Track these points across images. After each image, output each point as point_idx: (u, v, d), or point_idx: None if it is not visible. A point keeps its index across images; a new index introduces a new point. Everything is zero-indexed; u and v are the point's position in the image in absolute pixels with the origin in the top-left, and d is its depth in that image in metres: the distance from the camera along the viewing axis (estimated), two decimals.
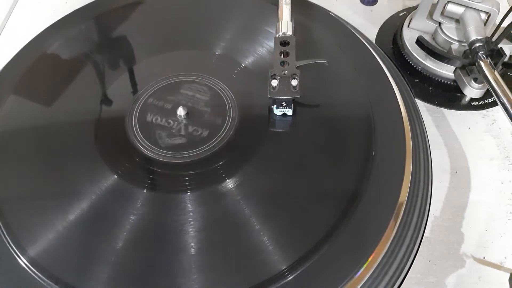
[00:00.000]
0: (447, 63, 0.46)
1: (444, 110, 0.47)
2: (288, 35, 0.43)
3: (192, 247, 0.35)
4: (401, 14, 0.56)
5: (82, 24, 0.51)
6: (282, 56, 0.42)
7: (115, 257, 0.35)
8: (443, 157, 0.44)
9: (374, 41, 0.53)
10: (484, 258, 0.38)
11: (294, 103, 0.41)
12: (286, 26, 0.44)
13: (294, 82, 0.40)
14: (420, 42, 0.47)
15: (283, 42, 0.43)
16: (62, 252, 0.35)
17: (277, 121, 0.42)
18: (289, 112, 0.42)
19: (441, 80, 0.48)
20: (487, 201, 0.41)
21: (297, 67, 0.41)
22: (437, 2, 0.47)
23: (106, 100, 0.44)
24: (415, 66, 0.49)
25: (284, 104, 0.41)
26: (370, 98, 0.42)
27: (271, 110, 0.42)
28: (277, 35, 0.44)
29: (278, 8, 0.46)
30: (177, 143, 0.41)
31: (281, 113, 0.42)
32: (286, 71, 0.41)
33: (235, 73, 0.46)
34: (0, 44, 0.55)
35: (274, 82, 0.40)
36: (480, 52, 0.42)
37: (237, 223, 0.36)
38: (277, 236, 0.35)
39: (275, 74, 0.41)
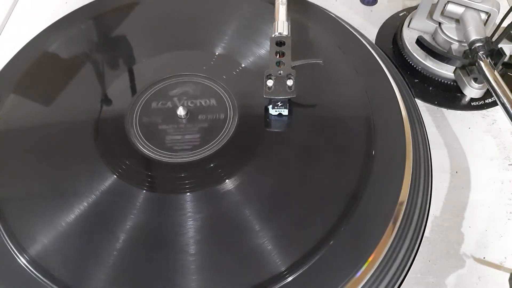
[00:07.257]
0: (447, 63, 0.46)
1: (444, 110, 0.47)
2: (284, 35, 0.43)
3: (192, 248, 0.35)
4: (401, 14, 0.56)
5: (82, 24, 0.51)
6: (277, 56, 0.42)
7: (115, 257, 0.35)
8: (443, 157, 0.44)
9: (374, 41, 0.53)
10: (484, 258, 0.38)
11: (291, 103, 0.41)
12: (282, 26, 0.44)
13: (290, 82, 0.40)
14: (420, 42, 0.47)
15: (279, 42, 0.43)
16: (62, 252, 0.35)
17: (277, 121, 0.42)
18: (285, 112, 0.42)
19: (441, 80, 0.48)
20: (487, 201, 0.41)
21: (293, 67, 0.41)
22: (437, 2, 0.47)
23: (106, 100, 0.44)
24: (415, 66, 0.49)
25: (280, 104, 0.41)
26: (370, 98, 0.42)
27: (267, 110, 0.42)
28: (273, 35, 0.44)
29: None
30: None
31: (276, 113, 0.42)
32: (281, 71, 0.41)
33: (234, 73, 0.46)
34: (0, 44, 0.55)
35: (270, 82, 0.40)
36: (480, 52, 0.42)
37: (236, 224, 0.36)
38: (277, 236, 0.35)
39: (270, 74, 0.41)
